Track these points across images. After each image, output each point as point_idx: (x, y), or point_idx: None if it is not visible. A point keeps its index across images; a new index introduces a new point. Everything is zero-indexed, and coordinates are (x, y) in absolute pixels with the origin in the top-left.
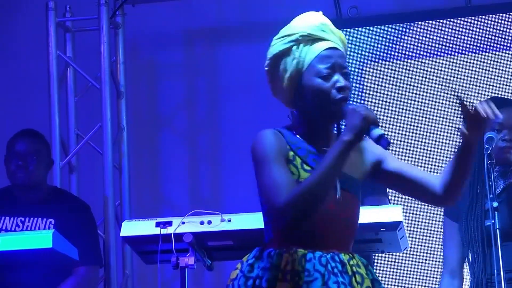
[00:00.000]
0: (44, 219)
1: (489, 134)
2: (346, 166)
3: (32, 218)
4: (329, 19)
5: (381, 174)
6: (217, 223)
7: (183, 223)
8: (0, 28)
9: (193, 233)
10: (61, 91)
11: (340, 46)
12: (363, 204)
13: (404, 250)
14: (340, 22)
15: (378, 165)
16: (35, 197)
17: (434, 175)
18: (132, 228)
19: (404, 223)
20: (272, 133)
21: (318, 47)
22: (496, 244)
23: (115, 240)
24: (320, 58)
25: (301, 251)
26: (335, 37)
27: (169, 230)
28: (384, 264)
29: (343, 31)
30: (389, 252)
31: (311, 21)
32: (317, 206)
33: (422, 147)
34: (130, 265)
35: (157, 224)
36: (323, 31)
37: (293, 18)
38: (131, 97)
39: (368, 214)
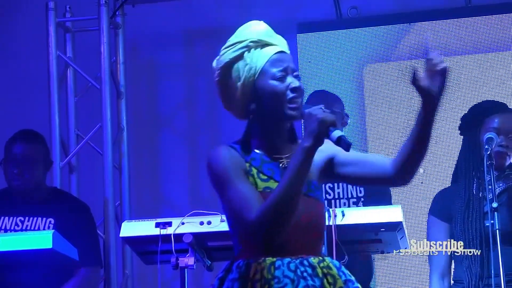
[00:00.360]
0: (44, 219)
1: (489, 134)
2: None
3: (31, 218)
4: (329, 19)
5: (335, 169)
6: (217, 223)
7: (182, 223)
8: (0, 28)
9: (193, 234)
10: (61, 91)
11: (287, 50)
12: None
13: (405, 250)
14: (340, 23)
15: (330, 161)
16: (34, 198)
17: (388, 158)
18: (132, 228)
19: (404, 223)
20: (225, 149)
21: (269, 51)
22: (495, 245)
23: (115, 240)
24: (272, 62)
25: (269, 259)
26: (281, 42)
27: (169, 230)
28: (384, 264)
29: (344, 31)
30: (389, 253)
31: (258, 28)
32: (290, 216)
33: None
34: (130, 265)
35: (157, 225)
36: (271, 36)
37: (293, 18)
38: (131, 97)
39: (368, 215)
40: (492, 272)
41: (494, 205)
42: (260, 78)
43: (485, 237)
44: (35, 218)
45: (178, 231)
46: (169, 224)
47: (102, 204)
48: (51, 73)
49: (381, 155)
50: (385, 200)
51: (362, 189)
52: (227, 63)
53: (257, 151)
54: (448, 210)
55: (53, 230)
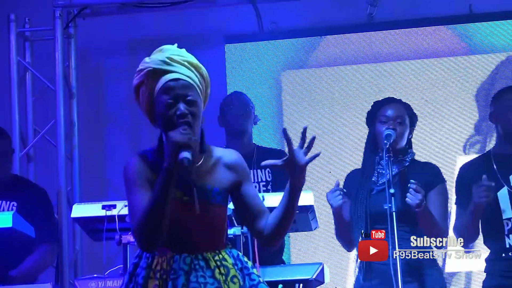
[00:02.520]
0: (8, 202)
1: (387, 131)
2: (211, 178)
3: None
4: (252, 32)
5: (234, 193)
6: None
7: (125, 206)
8: None
9: None
10: (20, 92)
11: (185, 76)
12: None
13: (314, 229)
14: (262, 35)
15: (237, 185)
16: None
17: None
18: (81, 210)
19: (315, 206)
20: (137, 160)
21: (162, 80)
22: (392, 226)
23: (67, 220)
24: (163, 90)
25: (170, 254)
26: (181, 68)
27: (114, 212)
28: (299, 240)
29: (265, 42)
30: (303, 231)
31: (159, 55)
32: (159, 226)
33: (332, 145)
34: (79, 242)
35: (103, 207)
36: (169, 64)
37: (222, 30)
38: (81, 97)
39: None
40: (390, 247)
41: (392, 191)
42: (156, 104)
43: (370, 214)
44: (0, 202)
45: (122, 212)
46: (114, 206)
47: (56, 189)
48: (12, 76)
49: (266, 212)
50: None
51: (270, 174)
52: (135, 87)
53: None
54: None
55: (13, 211)
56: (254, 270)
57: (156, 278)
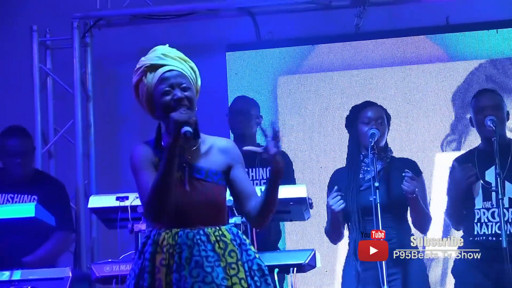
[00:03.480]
0: (29, 195)
1: (372, 130)
2: (207, 160)
3: (19, 194)
4: (250, 41)
5: (227, 176)
6: None
7: (137, 197)
8: None
9: None
10: (42, 95)
11: (178, 67)
12: None
13: (307, 219)
14: (259, 44)
15: (229, 168)
16: (22, 178)
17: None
18: (97, 201)
19: (307, 199)
20: (141, 146)
21: (158, 73)
22: (377, 216)
23: (84, 211)
24: (160, 80)
25: (175, 230)
26: (174, 62)
27: (126, 203)
28: (293, 229)
29: (262, 50)
30: (296, 221)
31: (153, 54)
32: (166, 200)
33: (323, 143)
34: (96, 230)
35: (117, 198)
36: (163, 59)
37: (223, 39)
38: (97, 100)
39: (280, 191)
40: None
41: (376, 184)
42: (155, 95)
43: (361, 208)
44: (23, 195)
45: (134, 203)
46: (126, 198)
47: (74, 183)
48: (34, 81)
49: (255, 195)
50: (290, 180)
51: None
52: (134, 85)
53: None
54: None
55: (35, 203)
56: (251, 247)
57: (163, 252)
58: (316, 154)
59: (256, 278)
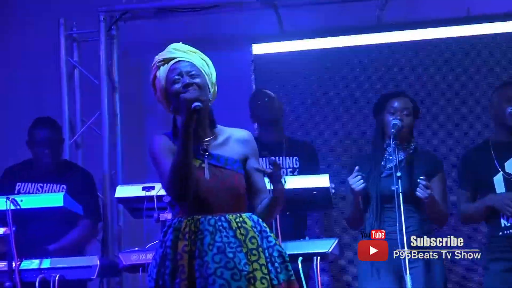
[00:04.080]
0: (58, 185)
1: (394, 121)
2: (225, 150)
3: (48, 184)
4: (272, 33)
5: (245, 167)
6: None
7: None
8: (20, 41)
9: None
10: (69, 87)
11: (187, 58)
12: None
13: (330, 209)
14: (282, 36)
15: (245, 158)
16: (51, 168)
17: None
18: (124, 191)
19: (330, 188)
20: (160, 136)
21: (169, 64)
22: (399, 205)
23: (111, 200)
24: (170, 71)
25: (196, 217)
26: (183, 54)
27: (152, 192)
28: (317, 218)
29: (285, 42)
30: (320, 210)
31: (166, 50)
32: (185, 179)
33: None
34: (122, 219)
35: (143, 188)
36: (173, 52)
37: (249, 32)
38: (123, 91)
39: (304, 181)
40: (397, 226)
41: (398, 174)
42: (167, 86)
43: (381, 195)
44: (52, 185)
45: (159, 193)
46: (153, 188)
47: (101, 173)
48: (62, 73)
49: (265, 191)
50: (315, 170)
51: (297, 161)
52: (151, 82)
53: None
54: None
55: (63, 192)
56: (272, 234)
57: (185, 239)
58: (339, 145)
59: (276, 264)
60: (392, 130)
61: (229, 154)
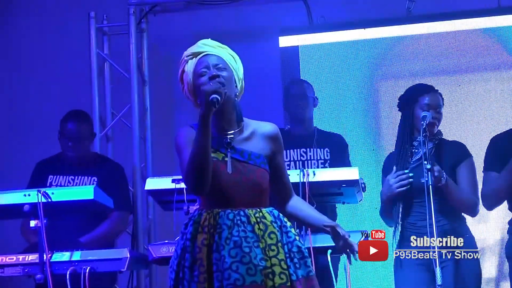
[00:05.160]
0: (89, 177)
1: (424, 113)
2: (250, 144)
3: (80, 177)
4: (302, 25)
5: (270, 163)
6: None
7: None
8: (54, 35)
9: None
10: (100, 80)
11: (214, 52)
12: None
13: (359, 201)
14: (311, 28)
15: (272, 154)
16: (82, 161)
17: (294, 197)
18: (154, 183)
19: (359, 181)
20: (186, 128)
21: (197, 57)
22: (429, 198)
23: (141, 192)
24: (198, 64)
25: (216, 210)
26: (212, 48)
27: (182, 185)
28: (346, 211)
29: (314, 34)
30: (349, 203)
31: (195, 45)
32: (200, 171)
33: (376, 126)
34: (152, 211)
35: (173, 181)
36: (201, 47)
37: (277, 24)
38: (153, 84)
39: (333, 174)
40: (427, 217)
41: (428, 166)
42: (194, 78)
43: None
44: (83, 177)
45: None
46: (182, 180)
47: (131, 166)
48: (92, 66)
49: (289, 187)
50: (345, 162)
51: (328, 153)
52: (180, 77)
53: None
54: (391, 169)
55: (94, 185)
56: (292, 230)
57: (205, 232)
58: (369, 138)
59: (295, 260)
60: (422, 122)
61: (253, 148)
